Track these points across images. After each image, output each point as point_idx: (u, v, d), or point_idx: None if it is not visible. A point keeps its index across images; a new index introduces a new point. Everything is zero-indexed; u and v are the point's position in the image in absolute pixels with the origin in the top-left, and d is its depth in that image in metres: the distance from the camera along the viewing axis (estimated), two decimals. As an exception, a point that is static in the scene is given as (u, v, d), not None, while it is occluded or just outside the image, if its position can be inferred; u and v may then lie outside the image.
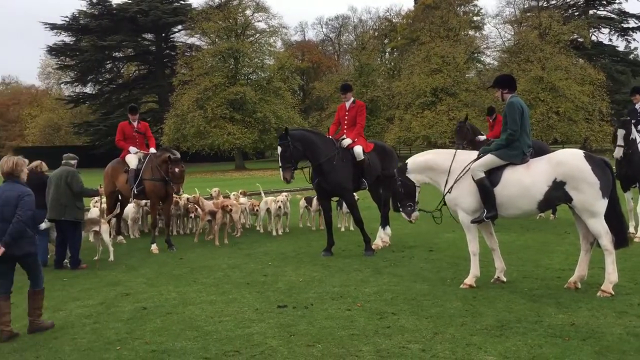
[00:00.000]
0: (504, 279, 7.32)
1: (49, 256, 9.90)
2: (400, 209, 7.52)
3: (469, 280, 7.15)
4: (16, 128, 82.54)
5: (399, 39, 62.42)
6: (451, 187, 7.07)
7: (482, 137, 12.98)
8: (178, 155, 10.77)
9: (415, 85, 45.03)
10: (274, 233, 12.09)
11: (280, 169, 9.32)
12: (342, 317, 6.08)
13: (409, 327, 5.70)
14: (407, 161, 7.52)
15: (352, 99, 10.14)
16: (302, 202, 13.11)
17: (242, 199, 13.01)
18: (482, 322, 5.74)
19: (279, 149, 9.28)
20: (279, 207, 11.94)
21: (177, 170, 10.48)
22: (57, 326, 6.22)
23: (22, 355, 5.36)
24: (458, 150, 7.46)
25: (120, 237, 12.07)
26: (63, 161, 9.73)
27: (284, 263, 9.10)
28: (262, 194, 13.27)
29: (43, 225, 9.34)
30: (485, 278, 7.33)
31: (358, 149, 9.66)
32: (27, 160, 6.84)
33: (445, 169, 7.18)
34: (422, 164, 7.39)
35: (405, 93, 46.42)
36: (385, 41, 66.38)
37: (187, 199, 12.15)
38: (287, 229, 12.54)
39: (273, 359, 5.00)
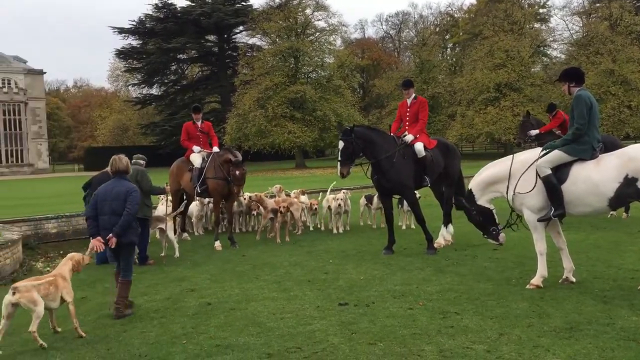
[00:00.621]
0: (573, 279, 7.06)
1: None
2: (486, 236, 7.46)
3: (536, 280, 6.93)
4: (87, 129, 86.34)
5: (461, 34, 61.39)
6: (514, 187, 6.91)
7: (534, 132, 12.60)
8: (240, 157, 10.91)
9: (477, 80, 44.13)
10: (335, 231, 12.11)
11: (338, 164, 9.31)
12: (403, 316, 6.02)
13: (473, 327, 5.59)
14: (470, 188, 7.42)
15: (413, 95, 10.02)
16: (362, 200, 13.07)
17: (303, 198, 13.09)
18: (550, 324, 5.55)
19: (341, 144, 9.24)
20: (339, 204, 11.95)
21: (237, 173, 10.65)
22: (126, 320, 6.45)
23: (95, 347, 5.58)
24: (515, 154, 7.26)
25: (185, 234, 12.39)
26: (132, 161, 10.04)
27: (344, 261, 9.10)
28: (328, 192, 13.28)
29: None
30: (552, 278, 7.09)
31: (419, 146, 9.53)
32: None
33: (505, 177, 7.02)
34: (483, 182, 7.27)
35: (467, 89, 45.58)
36: (447, 37, 65.39)
37: (249, 197, 12.34)
38: (347, 226, 12.53)
39: (334, 357, 5.00)
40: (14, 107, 66.25)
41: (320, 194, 13.83)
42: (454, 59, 61.30)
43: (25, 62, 70.63)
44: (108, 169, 7.36)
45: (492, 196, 7.32)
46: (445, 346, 5.10)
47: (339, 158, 9.29)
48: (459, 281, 7.42)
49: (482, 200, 7.30)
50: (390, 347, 5.14)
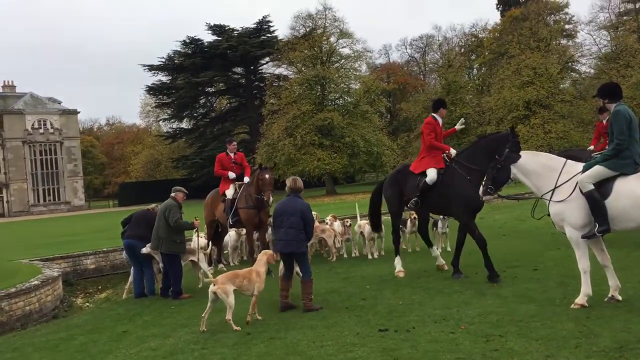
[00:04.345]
0: (619, 298, 6.85)
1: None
2: (482, 185, 7.42)
3: (580, 299, 6.75)
4: (121, 165, 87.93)
5: (487, 53, 61.08)
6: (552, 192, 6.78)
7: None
8: (268, 167, 11.19)
9: (506, 99, 43.79)
10: (369, 256, 12.01)
11: None
12: (446, 340, 5.91)
13: (518, 349, 5.44)
14: (521, 153, 7.28)
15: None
16: (396, 224, 12.94)
17: (336, 224, 13.04)
18: (598, 344, 5.38)
19: None
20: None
21: (266, 176, 10.72)
22: (167, 352, 6.47)
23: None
24: (568, 161, 7.09)
25: (221, 265, 12.44)
26: (171, 195, 9.98)
27: (382, 286, 9.01)
28: (358, 217, 13.24)
29: (144, 250, 9.86)
30: (597, 297, 6.88)
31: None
32: None
33: (553, 178, 6.86)
34: (532, 167, 7.07)
35: (496, 108, 45.24)
36: (472, 57, 65.16)
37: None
38: (382, 251, 12.42)
39: (378, 384, 4.91)
40: (50, 147, 67.99)
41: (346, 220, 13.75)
42: (480, 79, 60.94)
43: (59, 102, 72.60)
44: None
45: (522, 179, 7.19)
46: (491, 370, 4.98)
47: None
48: (501, 303, 7.26)
49: (516, 171, 7.17)
50: (435, 373, 5.03)
